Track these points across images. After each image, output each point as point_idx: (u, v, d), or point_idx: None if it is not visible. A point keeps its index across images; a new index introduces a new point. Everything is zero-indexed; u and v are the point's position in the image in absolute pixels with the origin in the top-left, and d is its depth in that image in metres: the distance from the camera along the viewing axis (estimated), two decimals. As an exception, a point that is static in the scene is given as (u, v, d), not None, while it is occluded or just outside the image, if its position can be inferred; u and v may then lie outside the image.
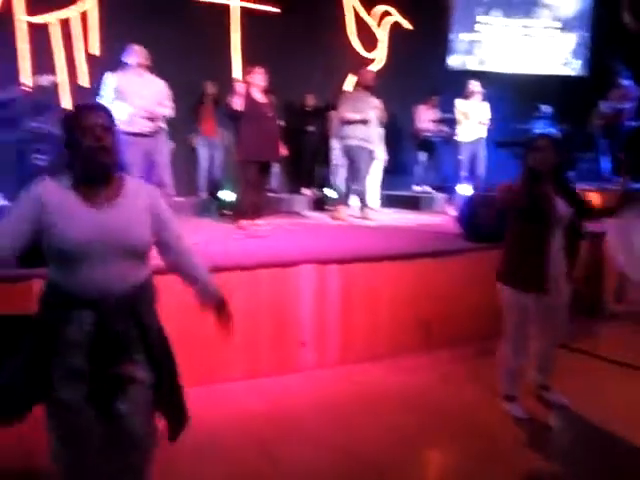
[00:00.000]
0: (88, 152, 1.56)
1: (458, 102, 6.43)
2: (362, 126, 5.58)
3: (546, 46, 9.32)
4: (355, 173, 5.74)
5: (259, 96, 4.84)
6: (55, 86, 5.73)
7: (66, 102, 6.09)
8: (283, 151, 5.20)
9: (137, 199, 1.66)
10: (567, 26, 9.31)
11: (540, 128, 7.98)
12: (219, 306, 1.83)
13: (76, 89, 6.17)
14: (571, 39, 9.36)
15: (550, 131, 7.85)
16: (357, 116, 5.55)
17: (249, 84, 4.82)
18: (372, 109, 5.69)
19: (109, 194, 1.62)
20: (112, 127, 1.61)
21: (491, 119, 6.48)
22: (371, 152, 5.78)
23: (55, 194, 1.58)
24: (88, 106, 1.65)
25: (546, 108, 8.07)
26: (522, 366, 2.91)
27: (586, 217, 3.01)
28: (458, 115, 6.41)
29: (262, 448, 2.53)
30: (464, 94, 6.41)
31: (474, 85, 6.41)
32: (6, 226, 1.56)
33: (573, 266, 2.85)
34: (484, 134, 6.45)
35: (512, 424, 2.78)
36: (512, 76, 8.64)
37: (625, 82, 6.91)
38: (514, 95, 8.06)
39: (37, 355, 1.59)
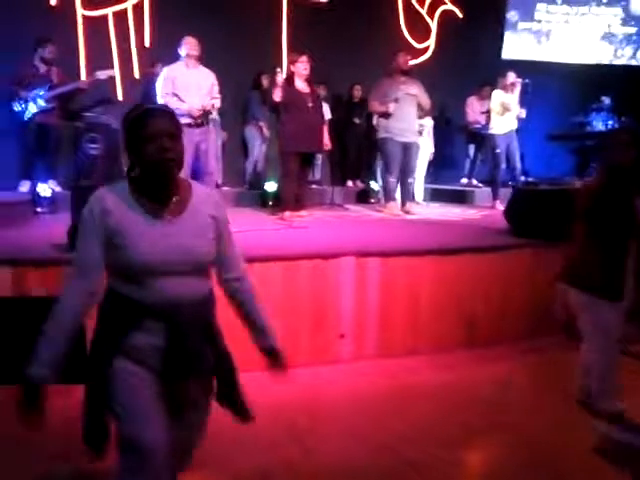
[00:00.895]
0: (154, 163, 1.44)
1: (496, 94, 6.17)
2: (394, 117, 5.31)
3: (606, 35, 8.87)
4: (387, 166, 5.54)
5: (302, 86, 4.80)
6: (112, 79, 5.93)
7: (120, 94, 6.30)
8: (327, 144, 5.10)
9: (203, 209, 1.56)
10: (629, 14, 8.82)
11: (598, 120, 7.63)
12: (274, 357, 1.75)
13: (130, 82, 6.36)
14: (633, 27, 8.87)
15: (609, 124, 7.50)
16: (382, 108, 5.31)
17: (292, 74, 4.79)
18: (408, 98, 5.35)
19: (175, 206, 1.51)
20: (179, 134, 1.50)
21: (538, 111, 6.24)
22: (405, 145, 5.43)
23: (116, 207, 1.47)
24: (154, 110, 1.51)
25: (605, 99, 7.71)
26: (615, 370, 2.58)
27: None
28: (496, 107, 6.15)
29: (296, 438, 2.54)
30: (502, 85, 6.15)
31: (513, 76, 6.15)
32: (88, 260, 1.48)
33: None
34: (515, 126, 6.23)
35: (553, 434, 2.65)
36: (568, 66, 8.28)
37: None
38: (571, 86, 7.74)
39: (101, 365, 1.52)
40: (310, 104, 4.78)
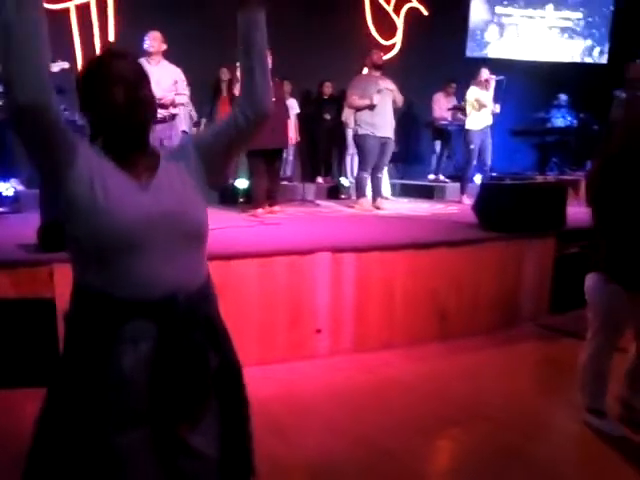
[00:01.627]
0: (121, 108, 1.15)
1: (472, 90, 6.28)
2: (370, 112, 5.32)
3: (564, 34, 9.17)
4: (363, 161, 5.56)
5: None
6: (69, 71, 5.75)
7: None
8: (292, 137, 5.11)
9: (176, 165, 1.25)
10: (587, 13, 9.14)
11: (558, 117, 7.89)
12: None
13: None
14: (591, 26, 9.20)
15: (568, 120, 7.76)
16: (366, 101, 5.30)
17: None
18: (386, 93, 5.40)
19: (149, 164, 1.22)
20: (145, 73, 1.23)
21: (502, 107, 6.38)
22: (381, 140, 5.46)
23: (94, 159, 1.17)
24: (116, 52, 1.22)
25: (562, 96, 7.97)
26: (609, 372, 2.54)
27: None
28: (471, 103, 6.27)
29: (277, 433, 2.56)
30: (477, 82, 6.27)
31: (487, 73, 6.28)
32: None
33: None
34: (490, 122, 6.37)
35: (527, 419, 2.75)
36: (530, 64, 8.52)
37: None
38: (532, 83, 7.97)
39: (73, 404, 1.15)
40: (272, 98, 4.74)
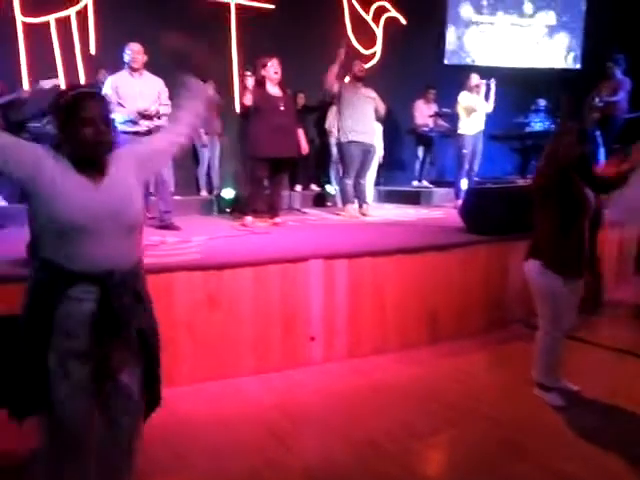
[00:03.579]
0: (90, 146, 1.54)
1: (464, 95, 6.35)
2: (356, 121, 5.36)
3: (540, 40, 9.40)
4: (345, 169, 5.56)
5: (273, 90, 4.70)
6: (58, 88, 5.72)
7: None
8: (304, 147, 4.97)
9: (125, 167, 1.65)
10: (561, 20, 9.38)
11: (537, 121, 8.05)
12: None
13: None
14: (565, 32, 9.44)
15: (546, 124, 7.93)
16: (349, 109, 5.35)
17: (263, 77, 4.68)
18: (367, 101, 5.47)
19: (102, 169, 1.60)
20: (110, 116, 1.62)
21: (487, 112, 6.50)
22: (364, 147, 5.50)
23: (51, 162, 1.54)
24: (87, 94, 1.57)
25: (541, 101, 8.14)
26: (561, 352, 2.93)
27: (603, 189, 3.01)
28: (462, 108, 6.34)
29: (278, 439, 2.57)
30: (467, 87, 6.36)
31: (477, 78, 6.38)
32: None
33: (594, 255, 2.91)
34: (483, 127, 6.47)
35: (520, 414, 2.81)
36: (508, 70, 8.69)
37: (618, 74, 6.95)
38: (510, 89, 8.13)
39: (34, 342, 1.55)
40: (282, 107, 4.66)
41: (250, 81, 4.82)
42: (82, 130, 1.51)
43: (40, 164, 1.51)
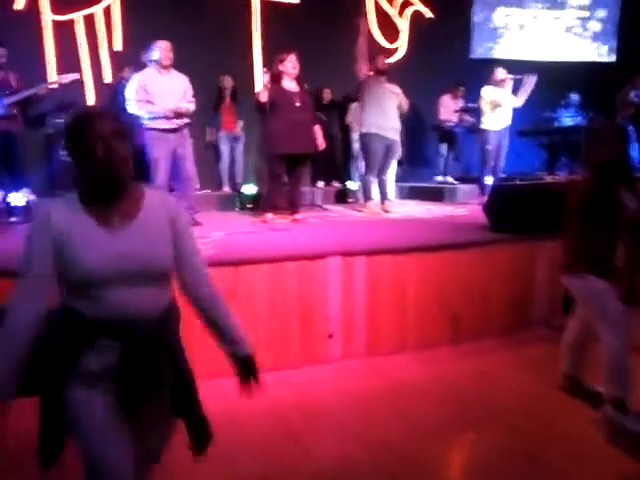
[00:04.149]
0: (100, 164, 1.36)
1: (488, 90, 6.19)
2: (379, 115, 5.32)
3: (572, 32, 9.13)
4: (368, 164, 5.52)
5: (290, 85, 4.68)
6: (79, 83, 5.80)
7: (90, 98, 6.18)
8: (321, 144, 4.91)
9: (157, 214, 1.49)
10: (594, 12, 9.10)
11: (566, 116, 7.83)
12: (245, 364, 1.62)
13: (100, 86, 6.25)
14: (598, 25, 9.15)
15: (577, 119, 7.71)
16: (372, 103, 5.30)
17: (280, 72, 4.66)
18: (391, 97, 5.42)
19: (126, 212, 1.45)
20: (125, 133, 1.43)
21: (514, 107, 6.33)
22: (387, 141, 5.44)
23: (64, 216, 1.41)
24: (96, 111, 1.46)
25: (573, 96, 7.91)
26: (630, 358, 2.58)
27: None
28: (486, 103, 6.18)
29: (293, 439, 2.54)
30: (492, 81, 6.20)
31: (503, 72, 6.20)
32: (38, 280, 1.40)
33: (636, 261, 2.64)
34: (509, 122, 6.30)
35: (542, 421, 2.72)
36: (537, 64, 8.46)
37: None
38: (539, 83, 7.92)
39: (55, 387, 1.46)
40: (298, 104, 4.62)
41: (265, 77, 4.79)
42: (93, 149, 1.35)
43: (53, 230, 1.40)
